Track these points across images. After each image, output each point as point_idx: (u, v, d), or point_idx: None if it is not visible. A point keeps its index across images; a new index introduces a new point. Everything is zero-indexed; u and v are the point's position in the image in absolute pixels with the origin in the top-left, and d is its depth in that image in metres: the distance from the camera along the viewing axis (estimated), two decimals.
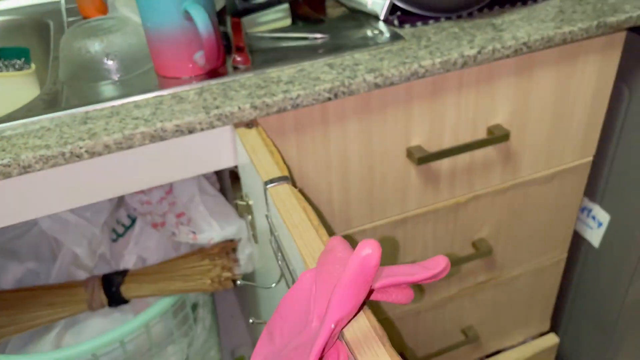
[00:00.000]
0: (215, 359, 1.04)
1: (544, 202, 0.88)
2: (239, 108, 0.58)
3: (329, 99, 0.61)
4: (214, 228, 0.74)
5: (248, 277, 0.85)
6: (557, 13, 0.73)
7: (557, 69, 0.74)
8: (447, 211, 0.81)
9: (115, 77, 0.65)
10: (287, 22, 0.77)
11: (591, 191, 1.00)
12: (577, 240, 1.04)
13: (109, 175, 0.59)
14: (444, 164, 0.76)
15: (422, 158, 0.70)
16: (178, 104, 0.59)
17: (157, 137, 0.56)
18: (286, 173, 0.52)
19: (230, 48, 0.69)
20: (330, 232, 0.75)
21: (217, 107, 0.57)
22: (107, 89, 0.64)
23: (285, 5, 0.75)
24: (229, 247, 0.80)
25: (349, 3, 0.78)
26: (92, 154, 0.54)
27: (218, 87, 0.62)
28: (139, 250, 0.84)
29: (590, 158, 0.87)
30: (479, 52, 0.65)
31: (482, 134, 0.75)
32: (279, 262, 0.51)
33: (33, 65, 0.82)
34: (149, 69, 0.67)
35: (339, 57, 0.66)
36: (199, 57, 0.62)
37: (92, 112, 0.59)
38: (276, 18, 0.76)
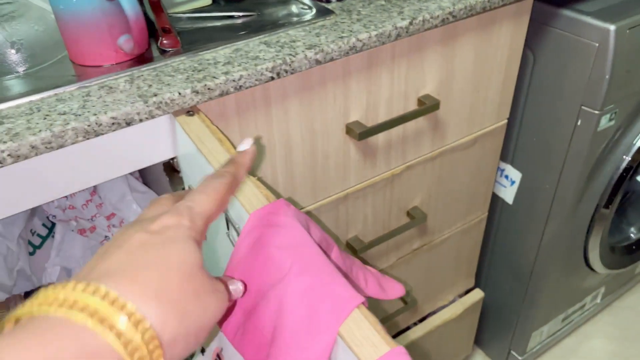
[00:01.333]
0: None
1: (467, 165, 0.93)
2: (180, 94, 0.53)
3: (272, 78, 0.58)
4: None
5: None
6: None
7: (476, 36, 0.77)
8: (384, 183, 0.82)
9: (22, 69, 0.58)
10: (208, 0, 0.72)
11: (503, 152, 1.06)
12: (492, 199, 1.11)
13: (35, 180, 0.52)
14: (380, 138, 0.76)
15: (362, 133, 0.70)
16: (109, 94, 0.53)
17: (92, 132, 0.50)
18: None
19: (152, 31, 0.63)
20: None
21: (154, 95, 0.53)
22: (15, 83, 0.56)
23: None
24: None
25: None
26: (17, 157, 0.47)
27: (149, 73, 0.56)
28: (62, 261, 0.76)
29: (505, 121, 0.93)
30: (411, 23, 0.66)
31: (413, 105, 0.77)
32: None
33: None
34: (62, 57, 0.60)
35: (273, 35, 0.63)
36: (124, 41, 0.57)
37: (5, 110, 0.51)
38: None
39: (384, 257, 0.92)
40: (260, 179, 0.47)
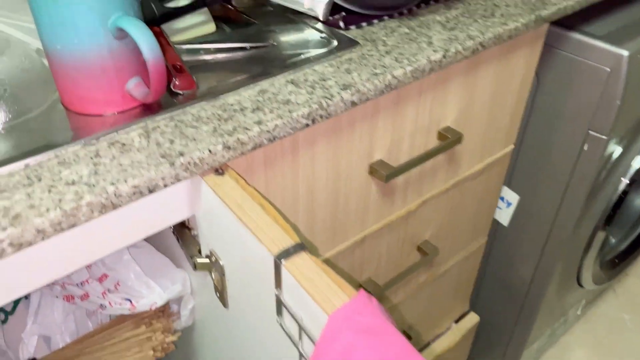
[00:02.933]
0: None
1: (474, 193, 0.88)
2: (210, 151, 0.45)
3: (307, 125, 0.51)
4: (154, 291, 0.60)
5: (185, 331, 0.72)
6: (493, 7, 0.71)
7: (497, 63, 0.72)
8: (399, 221, 0.76)
9: (6, 120, 0.47)
10: (211, 27, 0.63)
11: None
12: None
13: (34, 264, 0.42)
14: (401, 175, 0.70)
15: (390, 175, 0.64)
16: (123, 155, 0.44)
17: (110, 206, 0.41)
18: (297, 238, 0.41)
19: None
20: None
21: (181, 154, 0.44)
22: (0, 140, 0.45)
23: (205, 8, 0.62)
24: (165, 305, 0.66)
25: (279, 0, 0.66)
26: (19, 246, 0.38)
27: (167, 123, 0.48)
28: (40, 329, 0.65)
29: (512, 146, 0.89)
30: (444, 56, 0.60)
31: (434, 138, 0.71)
32: (300, 348, 0.41)
33: None
34: (53, 102, 0.49)
35: (299, 72, 0.56)
36: (134, 85, 0.47)
37: None
38: (197, 23, 0.62)
39: (393, 295, 0.87)
40: (326, 260, 0.40)
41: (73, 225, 0.39)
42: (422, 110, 0.66)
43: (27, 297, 0.69)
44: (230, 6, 0.68)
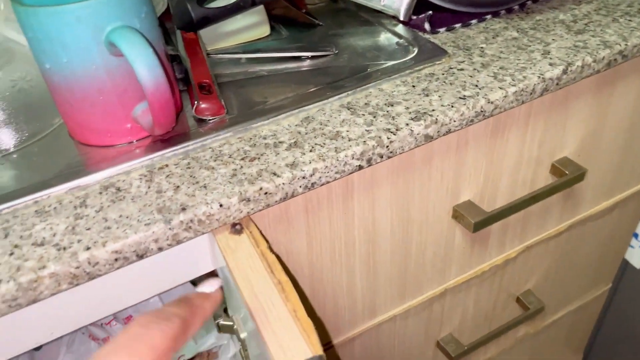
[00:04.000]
0: None
1: (598, 236, 0.70)
2: (221, 205, 0.34)
3: (360, 167, 0.38)
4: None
5: None
6: None
7: None
8: (494, 271, 0.61)
9: (5, 147, 0.40)
10: (264, 30, 0.52)
11: None
12: None
13: (14, 334, 0.34)
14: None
15: (478, 223, 0.49)
16: (113, 205, 0.34)
17: (83, 276, 0.32)
18: (319, 347, 0.29)
19: (185, 84, 0.45)
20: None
21: (182, 209, 0.34)
22: None
23: (260, 7, 0.51)
24: (210, 356, 0.57)
25: None
26: None
27: (178, 162, 0.38)
28: (74, 358, 0.60)
29: None
30: (565, 71, 0.44)
31: (545, 172, 0.55)
32: None
33: None
34: (56, 129, 0.42)
35: (359, 92, 0.43)
36: (141, 112, 0.38)
37: None
38: (247, 26, 0.51)
39: (481, 350, 0.72)
40: None
41: (34, 301, 0.31)
42: (531, 138, 0.50)
43: None
44: (293, 5, 0.56)
